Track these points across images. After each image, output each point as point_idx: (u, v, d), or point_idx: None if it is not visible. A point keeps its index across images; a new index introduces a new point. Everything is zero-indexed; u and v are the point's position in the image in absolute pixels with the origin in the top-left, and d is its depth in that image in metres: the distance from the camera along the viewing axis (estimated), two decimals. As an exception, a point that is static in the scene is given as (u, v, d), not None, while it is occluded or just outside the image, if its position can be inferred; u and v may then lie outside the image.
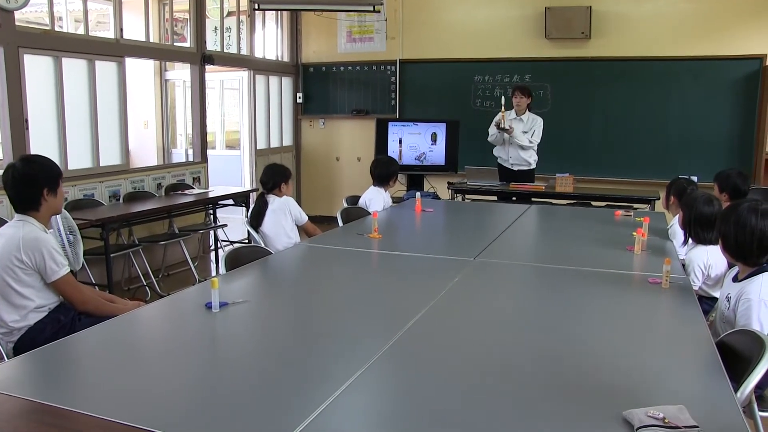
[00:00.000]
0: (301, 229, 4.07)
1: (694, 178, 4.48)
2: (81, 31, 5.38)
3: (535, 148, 6.00)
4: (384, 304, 2.43)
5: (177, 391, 1.62)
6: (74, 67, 5.08)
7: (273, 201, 3.97)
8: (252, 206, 4.06)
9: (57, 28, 5.13)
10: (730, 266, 2.67)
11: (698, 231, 2.99)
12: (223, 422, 1.43)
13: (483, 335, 2.08)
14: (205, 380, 1.70)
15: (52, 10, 4.92)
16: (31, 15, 6.93)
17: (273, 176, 4.01)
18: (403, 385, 1.69)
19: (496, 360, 1.85)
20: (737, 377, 1.74)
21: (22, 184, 2.56)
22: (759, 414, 1.92)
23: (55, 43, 4.87)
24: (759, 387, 2.10)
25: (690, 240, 3.11)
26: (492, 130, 6.03)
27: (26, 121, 4.60)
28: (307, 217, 4.06)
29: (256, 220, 3.94)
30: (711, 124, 6.57)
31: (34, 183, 2.55)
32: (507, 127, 5.88)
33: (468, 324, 2.19)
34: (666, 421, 1.37)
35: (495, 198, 5.95)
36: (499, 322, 2.24)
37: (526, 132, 5.96)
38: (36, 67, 4.75)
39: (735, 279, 2.40)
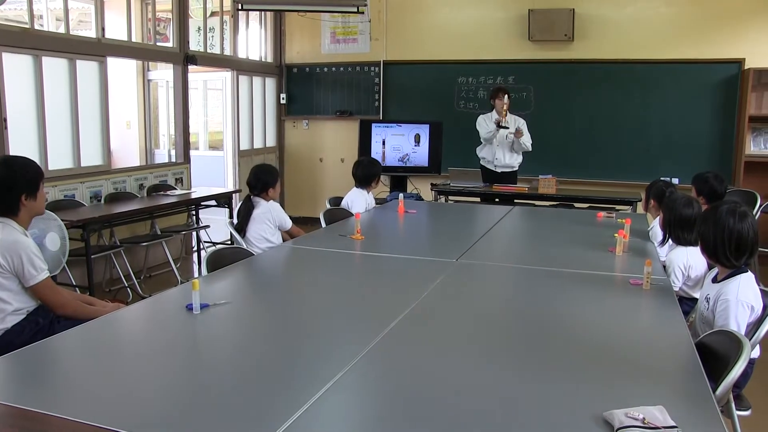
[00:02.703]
0: (286, 234, 3.96)
1: (675, 180, 4.54)
2: (62, 29, 5.32)
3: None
4: (366, 306, 2.43)
5: (157, 393, 1.61)
6: (55, 67, 5.01)
7: (258, 205, 3.83)
8: (237, 208, 3.96)
9: (37, 27, 5.07)
10: (710, 267, 2.70)
11: (678, 232, 3.02)
12: (204, 424, 1.42)
13: (465, 336, 2.09)
14: (186, 382, 1.69)
15: (32, 8, 4.85)
16: (9, 13, 6.84)
17: (260, 178, 3.87)
18: (385, 386, 1.68)
19: (477, 360, 1.86)
20: (716, 377, 1.76)
21: None
22: (736, 413, 1.95)
23: (35, 42, 4.81)
24: (737, 386, 2.14)
25: (669, 241, 3.15)
26: (490, 127, 5.94)
27: (5, 120, 4.54)
28: (291, 223, 3.94)
29: (240, 224, 3.81)
30: (692, 126, 6.65)
31: (11, 188, 2.49)
32: (507, 126, 5.83)
33: (450, 325, 2.20)
34: (645, 421, 1.38)
35: (478, 199, 5.97)
36: (481, 323, 2.25)
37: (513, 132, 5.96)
38: (15, 66, 4.69)
39: (714, 280, 2.43)
